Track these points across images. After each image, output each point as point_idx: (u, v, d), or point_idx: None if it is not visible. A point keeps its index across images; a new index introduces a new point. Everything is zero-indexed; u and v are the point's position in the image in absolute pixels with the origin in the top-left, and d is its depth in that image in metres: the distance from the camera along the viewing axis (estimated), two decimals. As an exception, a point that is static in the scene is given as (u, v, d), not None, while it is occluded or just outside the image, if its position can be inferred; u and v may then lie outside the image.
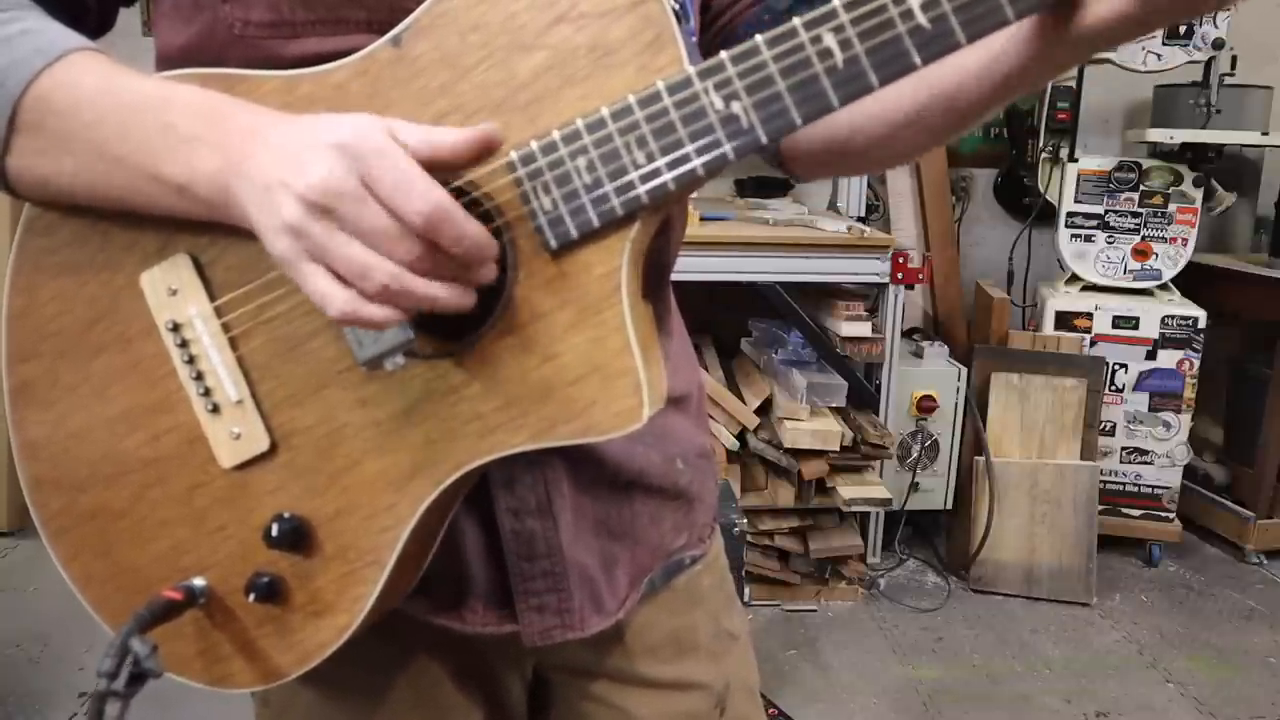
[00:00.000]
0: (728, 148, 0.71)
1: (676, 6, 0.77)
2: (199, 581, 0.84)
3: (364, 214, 0.67)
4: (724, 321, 3.86)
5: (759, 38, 0.69)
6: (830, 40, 0.68)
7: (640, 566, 1.02)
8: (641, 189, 0.72)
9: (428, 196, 0.67)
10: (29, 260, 0.84)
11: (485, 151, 0.71)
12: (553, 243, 0.74)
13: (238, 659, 0.86)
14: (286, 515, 0.81)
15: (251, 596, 0.82)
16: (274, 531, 0.80)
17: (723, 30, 1.02)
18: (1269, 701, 3.08)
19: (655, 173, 0.71)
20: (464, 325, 0.77)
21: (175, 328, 0.82)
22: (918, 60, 0.68)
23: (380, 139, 0.68)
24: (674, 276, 1.06)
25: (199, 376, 0.82)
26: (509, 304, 0.75)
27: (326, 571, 0.82)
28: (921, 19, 0.67)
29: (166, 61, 0.84)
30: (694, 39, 0.93)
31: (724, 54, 0.70)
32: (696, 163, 0.71)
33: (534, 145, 0.73)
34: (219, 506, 0.84)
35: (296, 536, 0.81)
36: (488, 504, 0.90)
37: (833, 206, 4.14)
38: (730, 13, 1.01)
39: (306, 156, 0.68)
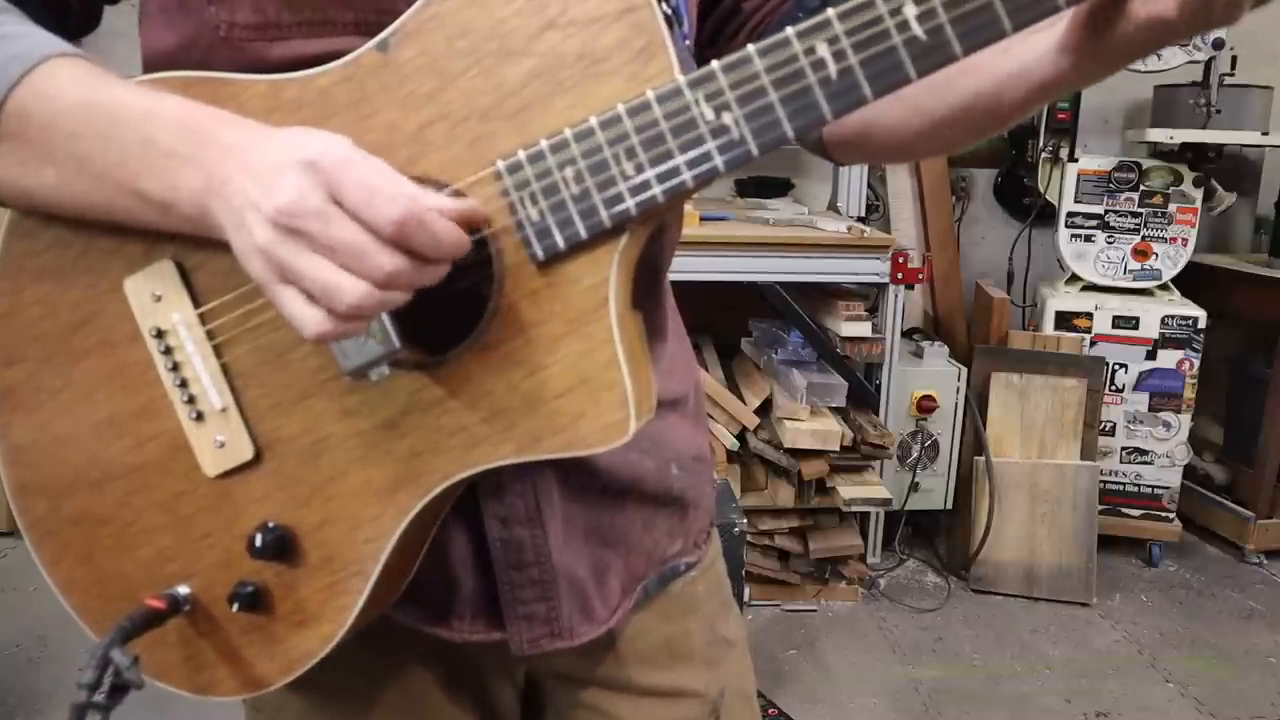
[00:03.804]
0: (718, 160, 0.70)
1: (669, 11, 0.76)
2: (183, 590, 0.84)
3: (331, 231, 0.66)
4: (724, 321, 3.85)
5: (751, 47, 0.68)
6: (824, 51, 0.67)
7: (633, 574, 1.00)
8: (630, 201, 0.71)
9: (396, 202, 0.66)
10: (12, 263, 0.83)
11: (467, 223, 0.71)
12: (540, 254, 0.73)
13: (222, 667, 0.86)
14: (271, 525, 0.81)
15: (235, 606, 0.82)
16: (258, 541, 0.80)
17: (755, 30, 1.01)
18: (1269, 701, 3.08)
19: (644, 185, 0.70)
20: (450, 336, 0.76)
21: (159, 334, 0.81)
22: (912, 73, 0.67)
23: (346, 150, 0.67)
24: (674, 276, 1.05)
25: (183, 384, 0.81)
26: (495, 315, 0.75)
27: (311, 581, 0.82)
28: (917, 30, 0.66)
29: (152, 64, 0.82)
30: (688, 43, 0.92)
31: (715, 63, 0.69)
32: (686, 175, 0.70)
33: (521, 155, 0.72)
34: (203, 514, 0.83)
35: (281, 546, 0.81)
36: (476, 512, 0.89)
37: (833, 206, 4.13)
38: (763, 11, 1.01)
39: (275, 178, 0.67)
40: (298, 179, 0.66)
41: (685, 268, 3.12)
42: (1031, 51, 0.80)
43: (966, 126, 0.91)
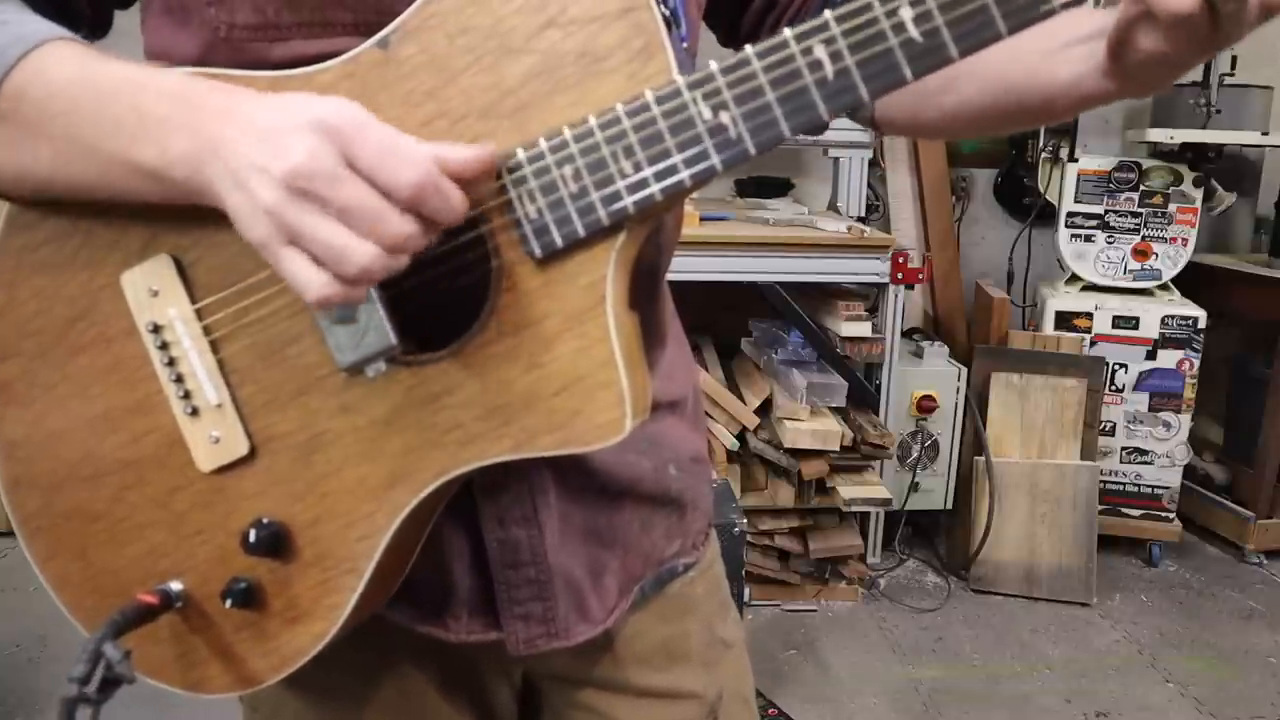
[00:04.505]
0: (716, 159, 0.70)
1: (667, 13, 0.76)
2: (175, 585, 0.83)
3: (343, 193, 0.65)
4: (724, 321, 3.85)
5: (749, 48, 0.69)
6: (821, 52, 0.68)
7: (630, 574, 1.00)
8: (628, 199, 0.71)
9: (416, 166, 0.66)
10: (10, 257, 0.83)
11: (486, 175, 0.71)
12: (538, 251, 0.73)
13: (214, 663, 0.86)
14: (265, 521, 0.81)
15: (228, 602, 0.81)
16: (252, 537, 0.79)
17: (798, 15, 1.02)
18: (1269, 701, 3.08)
19: (642, 183, 0.71)
20: (447, 333, 0.76)
21: (156, 329, 0.80)
22: (908, 73, 0.68)
23: (360, 112, 0.67)
24: (674, 276, 1.05)
25: (179, 379, 0.81)
26: (493, 312, 0.75)
27: (304, 578, 0.82)
28: (913, 32, 0.67)
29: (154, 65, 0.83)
30: (685, 44, 0.92)
31: (713, 64, 0.69)
32: (684, 174, 0.70)
33: (520, 153, 0.72)
34: (197, 510, 0.83)
35: (275, 542, 0.80)
36: (472, 511, 0.89)
37: (833, 206, 4.12)
38: (796, 4, 1.02)
39: (284, 138, 0.66)
40: (309, 139, 0.65)
41: (685, 268, 3.12)
42: (1081, 66, 0.82)
43: (1017, 122, 0.94)
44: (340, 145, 0.66)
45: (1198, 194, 3.83)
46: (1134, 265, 3.88)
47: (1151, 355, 3.82)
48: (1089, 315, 3.84)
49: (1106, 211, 3.86)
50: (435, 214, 0.67)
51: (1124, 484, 3.90)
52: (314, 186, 0.65)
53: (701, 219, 3.46)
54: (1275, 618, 3.57)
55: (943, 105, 0.95)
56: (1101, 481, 3.77)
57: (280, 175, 0.65)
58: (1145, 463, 3.88)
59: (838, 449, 3.34)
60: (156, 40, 0.83)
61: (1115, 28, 0.75)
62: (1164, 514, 3.91)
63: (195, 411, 0.81)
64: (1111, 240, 3.87)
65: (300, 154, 0.65)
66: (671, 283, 1.06)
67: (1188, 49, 0.72)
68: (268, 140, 0.67)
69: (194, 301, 0.80)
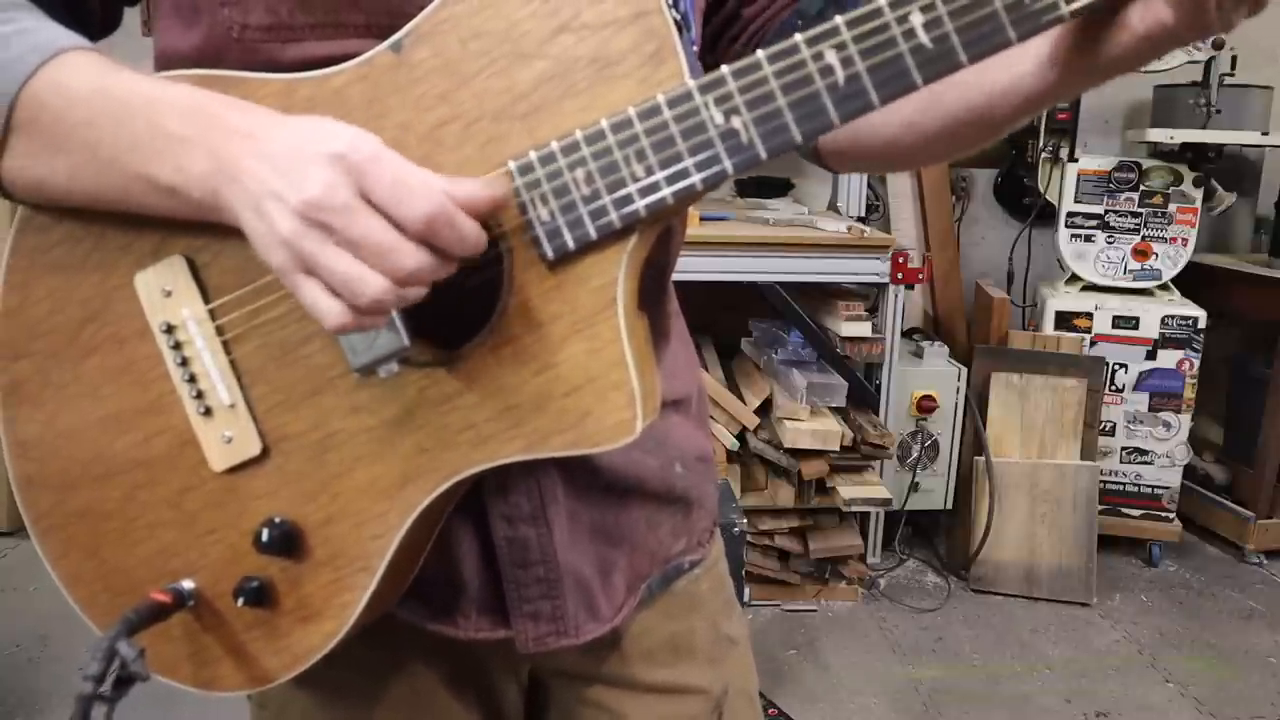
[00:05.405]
0: (727, 163, 0.71)
1: (678, 17, 0.77)
2: (188, 584, 0.84)
3: (356, 226, 0.66)
4: (724, 321, 3.86)
5: (760, 53, 0.69)
6: (832, 57, 0.68)
7: (638, 572, 1.01)
8: (640, 202, 0.71)
9: (428, 199, 0.67)
10: (23, 258, 0.84)
11: (494, 213, 0.71)
12: (549, 254, 0.73)
13: (226, 662, 0.86)
14: (278, 520, 0.81)
15: (240, 601, 0.82)
16: (265, 536, 0.80)
17: (755, 36, 1.02)
18: (1269, 701, 3.08)
19: (654, 186, 0.71)
20: (460, 333, 0.76)
21: (169, 330, 0.81)
22: (919, 80, 0.68)
23: (376, 146, 0.68)
24: (674, 276, 1.06)
25: (192, 379, 0.81)
26: (505, 313, 0.75)
27: (316, 577, 0.82)
28: (924, 38, 0.67)
29: (165, 64, 0.83)
30: (695, 48, 0.92)
31: (725, 68, 0.70)
32: (695, 177, 0.71)
33: (532, 155, 0.72)
34: (209, 510, 0.83)
35: (287, 542, 0.81)
36: (481, 510, 0.89)
37: (833, 206, 4.13)
38: (763, 18, 1.02)
39: (302, 168, 0.67)
40: (325, 171, 0.67)
41: (685, 268, 3.07)
42: (1021, 64, 0.80)
43: (960, 139, 0.91)
44: (355, 178, 0.67)
45: (1198, 194, 3.84)
46: (1134, 265, 3.88)
47: (1151, 355, 3.82)
48: (1089, 315, 3.84)
49: (1106, 211, 3.87)
50: (448, 246, 0.68)
51: (1124, 484, 3.90)
52: (329, 219, 0.66)
53: (701, 219, 3.47)
54: (1275, 618, 3.58)
55: (880, 135, 0.94)
56: (1101, 481, 3.78)
57: (296, 206, 0.67)
58: (1145, 463, 3.89)
59: (838, 449, 3.34)
60: (167, 41, 0.84)
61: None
62: (1164, 514, 3.91)
63: (208, 411, 0.82)
64: (1111, 240, 3.88)
65: (316, 186, 0.66)
66: (674, 283, 1.06)
67: (1192, 21, 0.69)
68: (285, 169, 0.68)
69: (207, 302, 0.80)
